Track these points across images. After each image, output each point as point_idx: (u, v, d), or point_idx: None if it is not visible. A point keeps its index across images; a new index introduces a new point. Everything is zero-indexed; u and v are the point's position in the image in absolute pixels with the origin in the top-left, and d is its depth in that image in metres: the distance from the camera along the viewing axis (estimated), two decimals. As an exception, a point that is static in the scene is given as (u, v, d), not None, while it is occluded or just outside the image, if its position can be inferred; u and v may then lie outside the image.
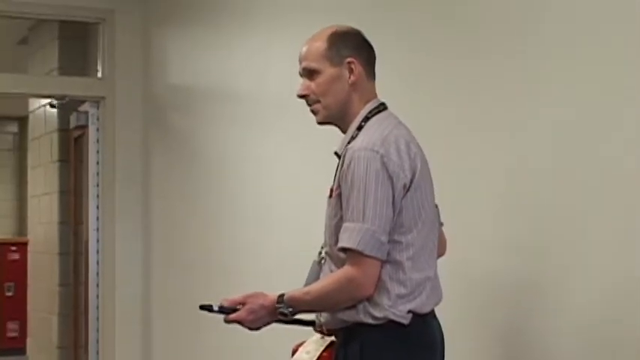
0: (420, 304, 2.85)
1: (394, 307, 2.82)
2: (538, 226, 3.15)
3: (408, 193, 2.83)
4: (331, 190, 2.94)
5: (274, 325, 3.04)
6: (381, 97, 3.06)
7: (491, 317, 3.34)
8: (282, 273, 4.41)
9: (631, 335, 2.79)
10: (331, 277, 2.88)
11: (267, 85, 5.04)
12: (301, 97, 3.04)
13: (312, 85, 3.01)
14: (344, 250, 2.83)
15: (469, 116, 3.48)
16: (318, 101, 3.01)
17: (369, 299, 2.83)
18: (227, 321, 3.00)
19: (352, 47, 3.00)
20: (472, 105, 3.46)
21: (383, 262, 2.81)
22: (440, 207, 3.06)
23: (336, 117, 3.02)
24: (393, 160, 2.82)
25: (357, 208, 2.81)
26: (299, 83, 3.05)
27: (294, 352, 3.14)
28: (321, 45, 3.00)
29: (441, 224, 3.09)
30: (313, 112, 3.05)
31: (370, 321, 2.83)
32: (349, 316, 2.87)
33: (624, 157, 2.84)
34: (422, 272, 2.86)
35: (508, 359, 3.29)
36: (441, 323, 2.98)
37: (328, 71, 2.98)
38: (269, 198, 4.98)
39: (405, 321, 2.83)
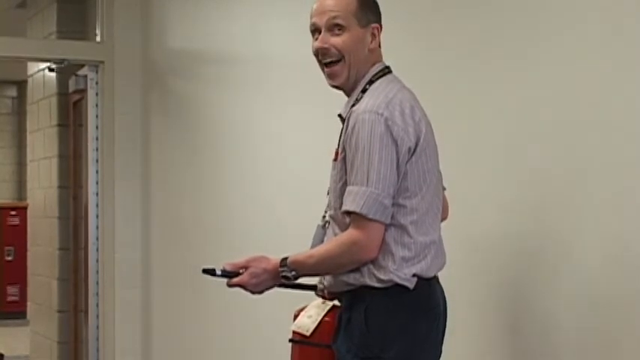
0: (424, 268, 2.85)
1: (399, 271, 2.82)
2: (538, 188, 3.15)
3: (412, 157, 2.82)
4: (336, 153, 2.92)
5: (276, 289, 3.04)
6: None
7: (492, 280, 3.34)
8: (285, 236, 4.41)
9: (629, 296, 2.80)
10: (335, 240, 2.88)
11: (267, 48, 5.02)
12: (321, 50, 2.94)
13: (338, 40, 2.92)
14: (348, 213, 2.82)
15: (469, 78, 3.46)
16: (340, 60, 2.93)
17: (374, 262, 2.82)
18: (230, 285, 2.99)
19: (377, 14, 2.99)
20: (472, 67, 3.45)
21: (387, 226, 2.81)
22: (441, 170, 3.05)
23: (353, 79, 2.95)
24: (397, 124, 2.80)
25: (361, 171, 2.79)
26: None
27: (295, 317, 3.15)
28: (352, 2, 2.92)
29: (444, 189, 3.08)
30: (332, 72, 2.95)
31: (375, 284, 2.83)
32: (354, 279, 2.86)
33: (625, 117, 2.84)
34: (426, 236, 2.86)
35: (509, 322, 3.29)
36: (444, 287, 2.98)
37: (355, 31, 2.93)
38: (270, 161, 4.97)
39: (410, 285, 2.83)
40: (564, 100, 3.06)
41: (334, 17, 2.91)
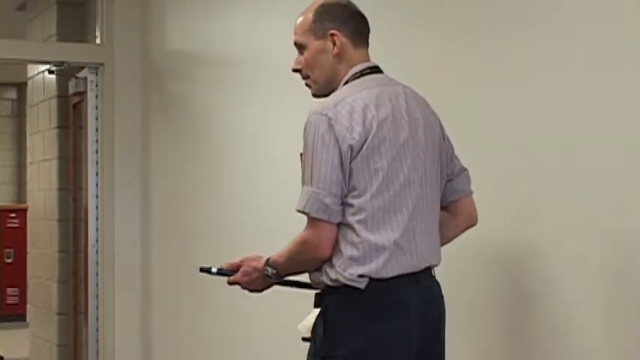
0: (374, 269, 2.83)
1: (345, 270, 2.83)
2: (538, 188, 3.15)
3: (358, 156, 2.84)
4: (301, 155, 2.96)
5: (278, 288, 3.08)
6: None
7: (492, 281, 3.34)
8: (285, 237, 4.41)
9: (629, 296, 2.80)
10: (294, 239, 2.94)
11: (268, 51, 5.02)
12: (295, 71, 3.09)
13: (302, 59, 3.06)
14: (299, 212, 2.88)
15: (468, 78, 3.47)
16: (309, 75, 3.06)
17: (329, 261, 2.87)
18: (228, 282, 3.09)
19: (336, 19, 3.02)
20: (471, 67, 3.45)
21: (339, 225, 2.85)
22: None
23: (326, 89, 3.05)
24: (340, 122, 2.85)
25: (307, 172, 2.88)
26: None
27: None
28: (307, 19, 3.04)
29: (470, 192, 3.07)
30: (307, 85, 3.10)
31: (329, 283, 2.88)
32: (317, 277, 2.93)
33: (622, 118, 2.84)
34: (380, 235, 2.84)
35: (509, 323, 3.29)
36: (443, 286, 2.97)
37: (313, 45, 3.03)
38: (270, 162, 4.97)
39: (359, 285, 2.83)
40: (563, 100, 3.06)
41: (295, 39, 3.07)
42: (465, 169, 3.08)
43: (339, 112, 2.85)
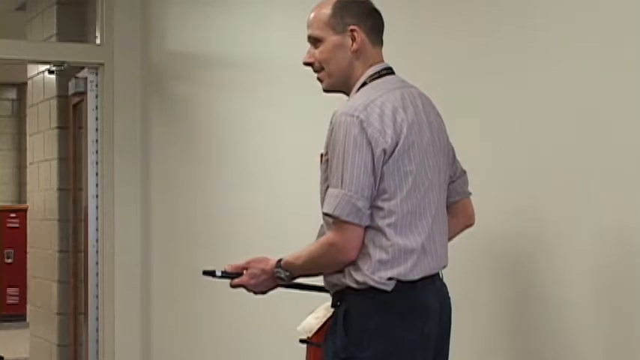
0: (402, 272, 2.83)
1: (374, 274, 2.82)
2: (538, 188, 3.16)
3: (390, 160, 2.82)
4: (322, 156, 2.95)
5: (280, 289, 3.07)
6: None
7: (493, 281, 3.34)
8: (285, 239, 4.41)
9: (630, 296, 2.80)
10: (318, 241, 2.91)
11: (268, 51, 5.02)
12: (307, 64, 3.05)
13: (317, 52, 3.01)
14: (328, 215, 2.85)
15: (468, 78, 3.47)
16: (322, 69, 3.01)
17: (354, 263, 2.84)
18: (232, 285, 3.06)
19: (356, 15, 2.99)
20: (471, 68, 3.45)
21: (366, 228, 2.82)
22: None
23: (340, 84, 3.02)
24: (373, 125, 2.82)
25: (336, 174, 2.83)
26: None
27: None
28: (325, 13, 3.00)
29: (469, 194, 3.07)
30: (319, 79, 3.05)
31: (354, 285, 2.85)
32: (337, 279, 2.90)
33: (623, 118, 2.84)
34: (408, 239, 2.84)
35: (508, 325, 3.30)
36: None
37: (331, 39, 2.98)
38: (272, 163, 4.98)
39: (387, 287, 2.82)
40: (564, 99, 3.06)
41: (311, 32, 3.02)
42: (465, 171, 3.09)
43: (370, 115, 2.83)
